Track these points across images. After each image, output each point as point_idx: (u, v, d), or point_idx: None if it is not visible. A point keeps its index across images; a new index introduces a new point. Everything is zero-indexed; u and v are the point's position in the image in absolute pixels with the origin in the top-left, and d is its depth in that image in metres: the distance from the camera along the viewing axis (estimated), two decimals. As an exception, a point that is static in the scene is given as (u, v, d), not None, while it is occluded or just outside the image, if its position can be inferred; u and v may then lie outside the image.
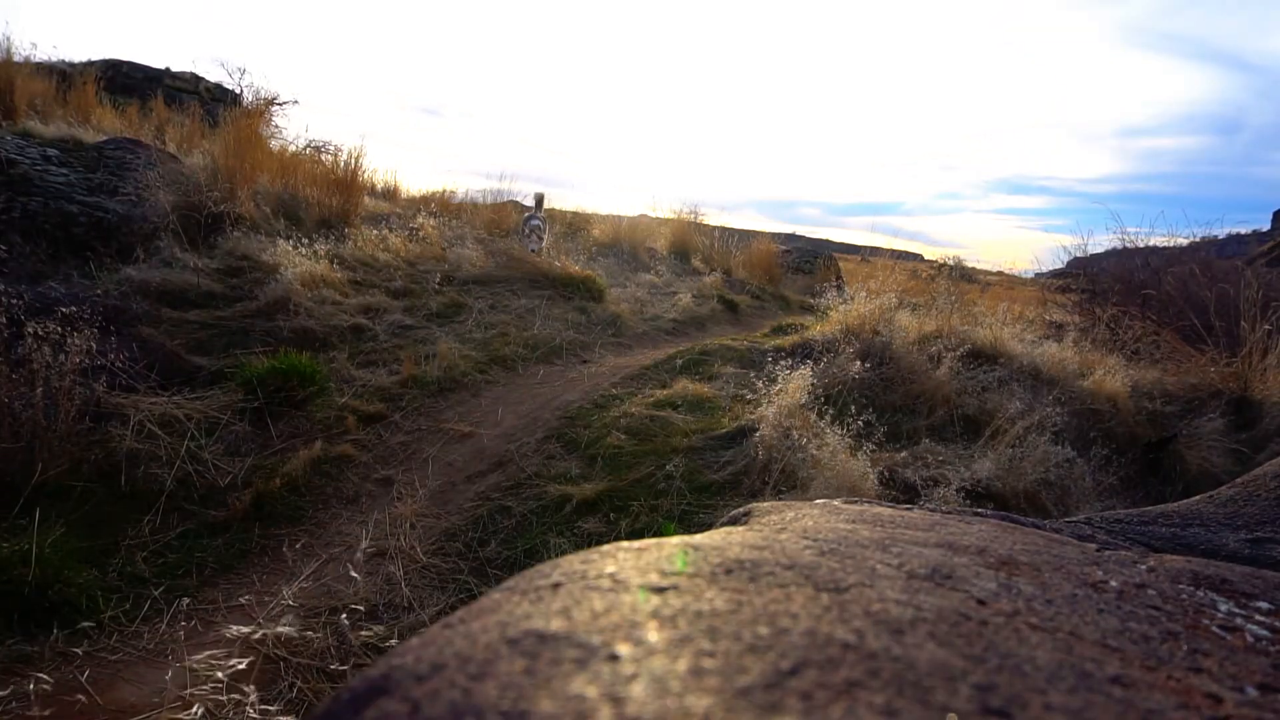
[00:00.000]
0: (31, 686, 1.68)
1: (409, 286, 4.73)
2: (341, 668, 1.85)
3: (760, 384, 2.98)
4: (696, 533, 0.63)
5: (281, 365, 3.17)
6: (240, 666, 1.80)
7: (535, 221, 6.09)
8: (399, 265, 5.04)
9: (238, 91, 9.30)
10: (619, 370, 3.94)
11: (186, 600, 2.12)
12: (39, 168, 4.32)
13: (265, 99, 7.94)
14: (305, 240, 4.61)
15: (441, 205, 7.42)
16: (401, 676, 0.36)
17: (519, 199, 8.83)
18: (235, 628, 1.98)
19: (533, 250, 5.83)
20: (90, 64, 8.38)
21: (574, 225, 8.14)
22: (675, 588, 0.45)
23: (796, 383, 2.90)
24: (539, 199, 6.62)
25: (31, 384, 2.40)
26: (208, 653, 1.86)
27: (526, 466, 2.84)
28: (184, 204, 4.60)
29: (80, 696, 1.67)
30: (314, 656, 1.89)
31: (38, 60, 7.29)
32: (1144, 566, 0.71)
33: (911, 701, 0.34)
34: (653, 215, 9.53)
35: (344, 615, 2.04)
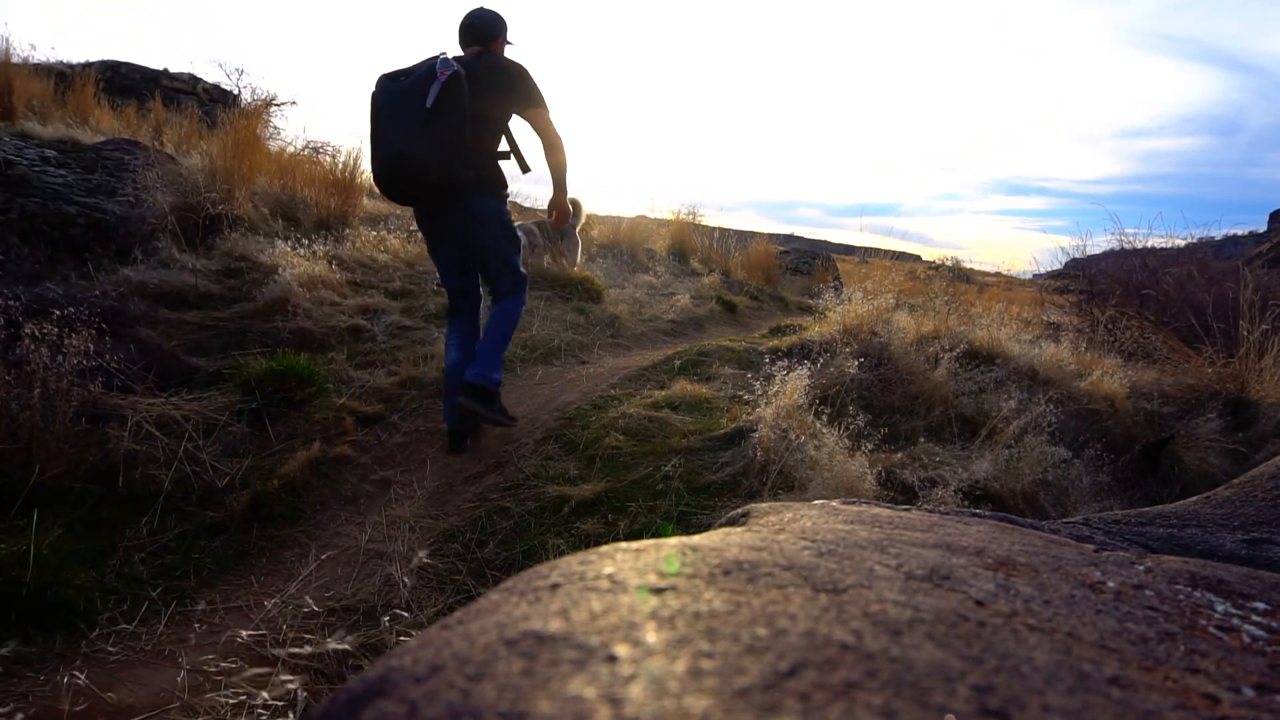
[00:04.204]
0: (30, 688, 1.67)
1: (407, 287, 4.72)
2: (339, 669, 1.85)
3: (758, 385, 2.98)
4: (695, 534, 0.63)
5: (279, 366, 3.16)
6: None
7: (525, 226, 5.52)
8: (397, 266, 5.03)
9: (236, 92, 9.30)
10: (617, 371, 3.94)
11: (186, 602, 2.12)
12: (37, 169, 4.32)
13: (263, 100, 7.95)
14: (303, 241, 4.61)
15: (440, 206, 7.41)
16: (399, 678, 0.36)
17: (518, 199, 8.83)
18: (235, 629, 1.98)
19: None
20: (88, 65, 8.38)
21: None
22: (674, 589, 0.45)
23: (794, 384, 2.90)
24: (576, 207, 5.78)
25: (29, 385, 2.40)
26: (208, 655, 1.86)
27: (525, 467, 2.84)
28: (182, 205, 4.60)
29: (80, 698, 1.67)
30: (311, 658, 1.88)
31: (36, 61, 7.29)
32: (1141, 567, 0.71)
33: (910, 702, 0.34)
34: (651, 216, 9.56)
35: (345, 616, 2.04)
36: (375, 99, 2.66)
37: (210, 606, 2.11)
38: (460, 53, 2.83)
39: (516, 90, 2.76)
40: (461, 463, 2.98)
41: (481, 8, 2.85)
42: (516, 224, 5.66)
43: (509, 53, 2.90)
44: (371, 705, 0.34)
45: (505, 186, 2.89)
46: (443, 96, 2.55)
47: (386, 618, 2.03)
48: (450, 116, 2.56)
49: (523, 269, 3.04)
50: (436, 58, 2.63)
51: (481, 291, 3.13)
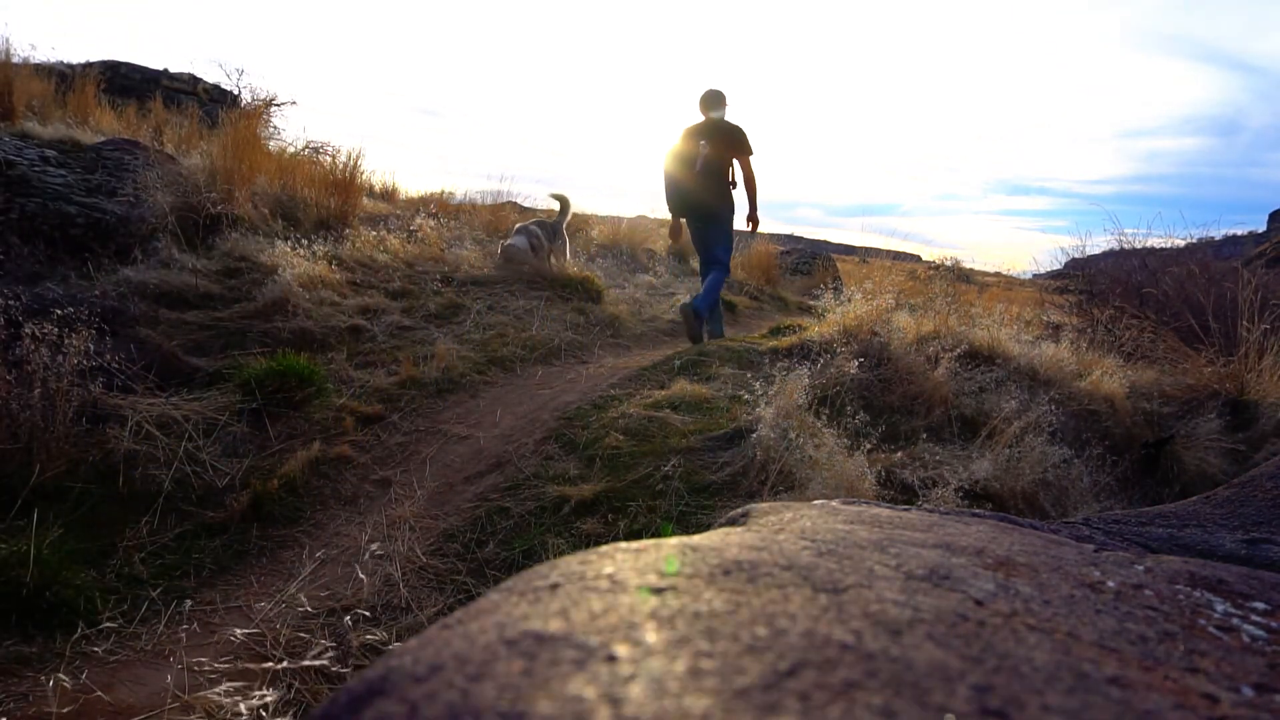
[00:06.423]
0: (31, 687, 1.67)
1: (407, 287, 4.72)
2: (339, 669, 1.85)
3: (758, 385, 2.98)
4: (695, 533, 0.63)
5: (279, 366, 3.16)
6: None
7: (526, 226, 5.64)
8: (397, 266, 5.03)
9: (236, 92, 9.30)
10: (617, 371, 3.94)
11: (185, 602, 2.12)
12: (37, 169, 4.32)
13: (263, 100, 7.96)
14: (303, 241, 4.61)
15: (440, 206, 7.43)
16: (399, 678, 0.36)
17: (518, 200, 8.82)
18: (234, 629, 1.97)
19: (510, 256, 5.42)
20: (89, 65, 8.37)
21: (573, 226, 8.14)
22: (673, 588, 0.45)
23: (794, 384, 2.90)
24: (563, 202, 5.98)
25: (29, 385, 2.40)
26: (206, 655, 1.86)
27: (525, 467, 2.84)
28: (182, 205, 4.60)
29: (80, 697, 1.67)
30: (312, 658, 1.88)
31: (36, 61, 7.29)
32: (1141, 567, 0.71)
33: (909, 702, 0.34)
34: (651, 216, 9.53)
35: (344, 616, 2.04)
36: (667, 164, 4.83)
37: (210, 606, 2.12)
38: (701, 116, 4.79)
39: (740, 144, 4.76)
40: (462, 463, 2.98)
41: (717, 89, 4.78)
42: (517, 225, 5.71)
43: (729, 115, 4.83)
44: (371, 705, 0.34)
45: (734, 206, 4.90)
46: (703, 165, 4.69)
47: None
48: (708, 176, 4.72)
49: (726, 261, 4.98)
50: (700, 142, 4.67)
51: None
